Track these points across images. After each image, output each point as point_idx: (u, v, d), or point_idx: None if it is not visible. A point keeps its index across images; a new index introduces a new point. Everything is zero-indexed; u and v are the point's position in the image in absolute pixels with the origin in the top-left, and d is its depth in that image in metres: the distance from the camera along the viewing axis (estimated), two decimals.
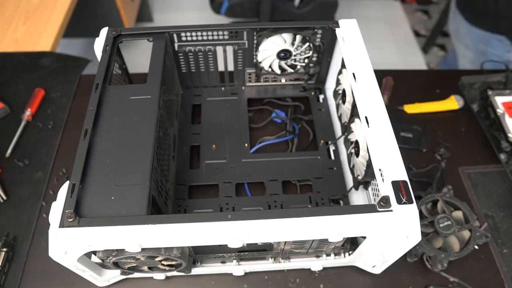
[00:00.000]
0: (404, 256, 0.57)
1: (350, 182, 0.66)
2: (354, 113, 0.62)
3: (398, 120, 0.79)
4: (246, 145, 0.72)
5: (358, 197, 0.64)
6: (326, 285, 0.60)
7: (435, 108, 0.81)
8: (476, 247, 0.61)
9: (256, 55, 0.74)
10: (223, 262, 0.59)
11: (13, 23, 1.05)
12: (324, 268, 0.61)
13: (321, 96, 0.80)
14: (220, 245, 0.51)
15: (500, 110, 0.74)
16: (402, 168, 0.48)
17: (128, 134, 0.52)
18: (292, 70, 0.77)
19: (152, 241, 0.43)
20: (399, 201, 0.45)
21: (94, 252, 0.48)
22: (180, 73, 0.77)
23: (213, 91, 0.80)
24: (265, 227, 0.44)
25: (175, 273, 0.56)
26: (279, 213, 0.45)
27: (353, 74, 0.59)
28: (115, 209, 0.45)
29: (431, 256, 0.59)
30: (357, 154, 0.61)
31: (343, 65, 0.68)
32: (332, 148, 0.72)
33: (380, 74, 0.82)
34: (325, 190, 0.66)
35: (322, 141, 0.73)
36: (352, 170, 0.65)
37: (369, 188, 0.61)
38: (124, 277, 0.58)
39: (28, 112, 0.77)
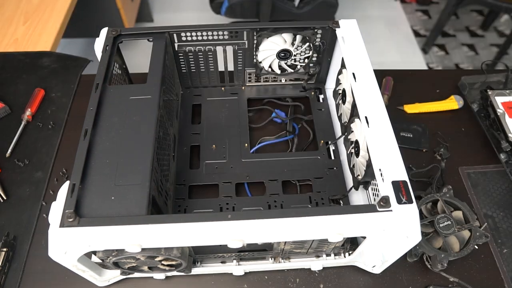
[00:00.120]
0: (404, 256, 0.57)
1: (350, 182, 0.66)
2: (354, 113, 0.62)
3: (398, 120, 0.79)
4: (246, 145, 0.72)
5: (358, 197, 0.64)
6: (326, 285, 0.60)
7: (435, 108, 0.81)
8: (476, 247, 0.61)
9: (256, 55, 0.74)
10: (223, 262, 0.59)
11: (13, 23, 1.06)
12: (324, 268, 0.61)
13: (321, 96, 0.80)
14: (220, 245, 0.51)
15: (500, 110, 0.74)
16: (402, 168, 0.48)
17: (128, 134, 0.52)
18: (292, 70, 0.77)
19: (152, 241, 0.43)
20: (399, 201, 0.45)
21: (94, 252, 0.48)
22: (180, 73, 0.77)
23: (213, 91, 0.80)
24: (265, 227, 0.44)
25: (175, 273, 0.56)
26: (279, 213, 0.45)
27: (353, 74, 0.59)
28: (115, 209, 0.45)
29: (431, 256, 0.59)
30: (357, 154, 0.61)
31: (343, 65, 0.68)
32: (332, 148, 0.72)
33: (380, 74, 0.82)
34: (325, 190, 0.66)
35: (322, 141, 0.73)
36: (352, 170, 0.65)
37: (369, 188, 0.61)
38: (124, 277, 0.58)
39: (28, 112, 0.77)
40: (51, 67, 0.87)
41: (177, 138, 0.72)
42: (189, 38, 0.69)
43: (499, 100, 0.75)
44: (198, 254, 0.56)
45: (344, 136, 0.69)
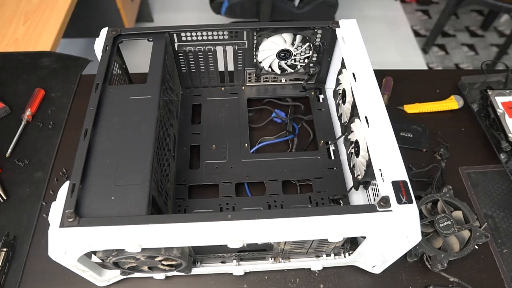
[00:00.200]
0: (404, 256, 0.57)
1: (350, 182, 0.66)
2: (354, 113, 0.62)
3: (398, 120, 0.79)
4: (246, 145, 0.72)
5: (358, 197, 0.64)
6: (326, 285, 0.60)
7: (435, 108, 0.81)
8: (476, 247, 0.61)
9: (256, 55, 0.74)
10: (223, 262, 0.59)
11: (13, 23, 1.06)
12: (324, 268, 0.61)
13: (321, 96, 0.80)
14: (220, 245, 0.51)
15: (500, 110, 0.74)
16: (402, 168, 0.48)
17: (128, 134, 0.52)
18: (292, 70, 0.77)
19: (152, 241, 0.43)
20: (399, 201, 0.45)
21: (94, 252, 0.48)
22: (180, 73, 0.77)
23: (213, 91, 0.80)
24: (265, 227, 0.44)
25: (175, 273, 0.56)
26: (279, 213, 0.45)
27: (353, 74, 0.59)
28: (115, 209, 0.45)
29: (431, 256, 0.59)
30: (357, 154, 0.61)
31: (343, 65, 0.68)
32: (332, 148, 0.72)
33: (380, 74, 0.82)
34: (325, 190, 0.66)
35: (322, 141, 0.73)
36: (352, 170, 0.65)
37: (369, 188, 0.61)
38: (124, 277, 0.58)
39: (28, 112, 0.77)
40: (51, 67, 0.87)
41: (177, 138, 0.72)
42: (189, 38, 0.69)
43: (499, 100, 0.75)
44: (198, 254, 0.56)
45: (344, 136, 0.69)
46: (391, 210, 0.45)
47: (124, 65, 0.69)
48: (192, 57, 0.73)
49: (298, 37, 0.70)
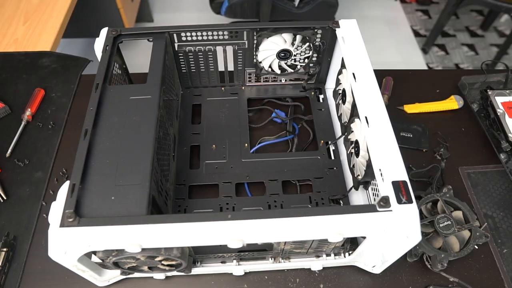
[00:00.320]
0: (404, 256, 0.57)
1: (350, 182, 0.66)
2: (354, 113, 0.62)
3: (398, 120, 0.79)
4: (246, 145, 0.72)
5: (358, 197, 0.64)
6: (326, 285, 0.60)
7: (435, 108, 0.81)
8: (476, 247, 0.61)
9: (256, 55, 0.74)
10: (223, 262, 0.59)
11: (13, 23, 1.06)
12: (324, 268, 0.61)
13: (321, 96, 0.80)
14: (220, 245, 0.51)
15: (500, 110, 0.74)
16: (402, 168, 0.48)
17: (128, 134, 0.52)
18: (292, 70, 0.77)
19: (152, 241, 0.43)
20: (399, 201, 0.45)
21: (94, 252, 0.48)
22: (180, 73, 0.77)
23: (213, 91, 0.80)
24: (265, 227, 0.44)
25: (175, 273, 0.56)
26: (279, 213, 0.45)
27: (353, 74, 0.59)
28: (115, 209, 0.45)
29: (431, 256, 0.59)
30: (357, 154, 0.61)
31: (343, 65, 0.68)
32: (332, 148, 0.72)
33: (380, 74, 0.81)
34: (325, 190, 0.66)
35: (322, 141, 0.73)
36: (352, 170, 0.65)
37: (369, 188, 0.61)
38: (124, 277, 0.58)
39: (28, 112, 0.77)
40: (51, 67, 0.87)
41: (177, 138, 0.72)
42: (189, 38, 0.69)
43: (499, 100, 0.75)
44: (198, 254, 0.56)
45: (344, 136, 0.69)
46: (391, 210, 0.45)
47: (124, 65, 0.69)
48: (192, 57, 0.73)
49: (298, 37, 0.70)
